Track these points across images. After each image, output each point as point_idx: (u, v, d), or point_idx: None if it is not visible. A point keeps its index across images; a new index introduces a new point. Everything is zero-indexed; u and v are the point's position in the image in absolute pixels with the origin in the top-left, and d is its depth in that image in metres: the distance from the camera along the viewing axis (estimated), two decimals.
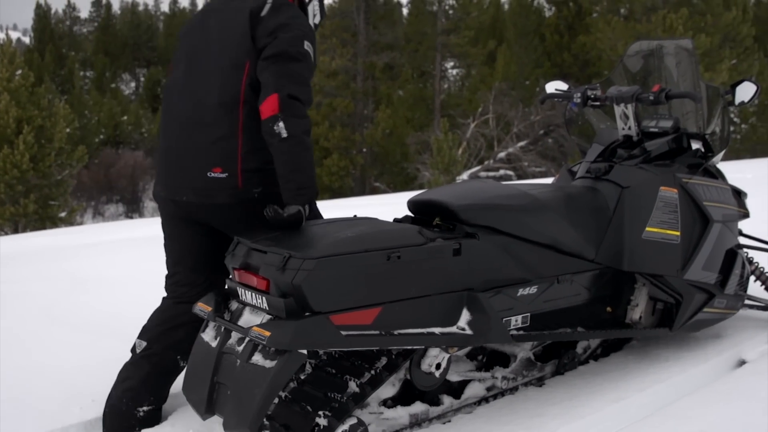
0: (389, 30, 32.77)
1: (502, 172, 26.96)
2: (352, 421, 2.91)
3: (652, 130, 4.12)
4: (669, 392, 3.60)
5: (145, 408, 3.30)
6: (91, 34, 72.89)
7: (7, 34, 28.18)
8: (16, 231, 21.43)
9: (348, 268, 2.72)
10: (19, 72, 23.13)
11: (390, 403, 3.22)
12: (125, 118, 47.07)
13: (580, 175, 3.98)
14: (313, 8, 3.40)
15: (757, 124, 31.01)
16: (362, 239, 2.83)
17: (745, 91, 4.09)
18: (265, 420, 2.78)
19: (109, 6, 71.34)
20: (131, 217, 34.03)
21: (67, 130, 24.46)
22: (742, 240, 4.45)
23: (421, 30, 34.53)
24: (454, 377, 3.39)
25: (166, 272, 3.49)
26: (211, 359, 2.91)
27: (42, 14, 58.18)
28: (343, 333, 2.69)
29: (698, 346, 4.14)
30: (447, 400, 3.36)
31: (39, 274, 6.22)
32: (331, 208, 11.32)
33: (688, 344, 4.16)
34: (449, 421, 3.33)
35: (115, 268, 6.43)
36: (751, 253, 4.52)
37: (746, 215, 4.30)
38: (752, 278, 4.42)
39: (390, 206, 5.98)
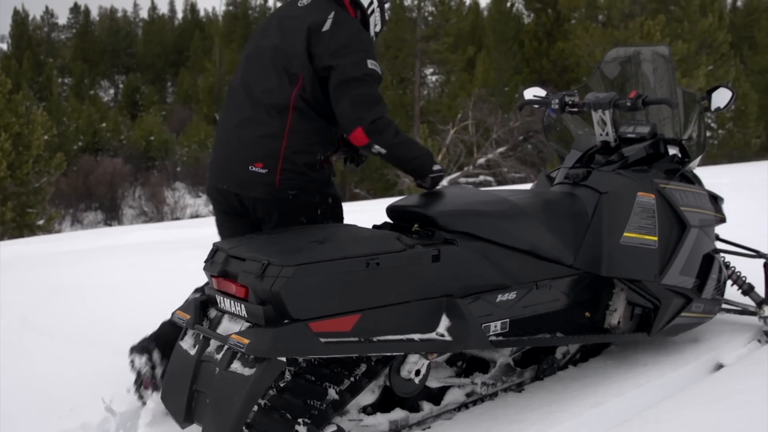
0: None
1: (481, 178, 27.02)
2: (332, 428, 2.91)
3: (629, 135, 4.15)
4: (647, 396, 3.62)
5: None
6: (70, 40, 72.62)
7: None
8: None
9: (327, 275, 2.71)
10: None
11: (370, 410, 3.21)
12: (104, 125, 46.89)
13: (559, 180, 4.00)
14: (374, 19, 3.59)
15: (733, 129, 31.29)
16: (341, 246, 2.83)
17: (721, 97, 4.13)
18: (244, 428, 2.77)
19: (87, 12, 71.08)
20: (110, 225, 33.79)
21: (45, 137, 24.31)
22: (719, 245, 4.48)
23: (400, 36, 34.57)
24: (433, 383, 3.39)
25: None
26: (190, 367, 2.90)
27: (20, 20, 57.87)
28: (322, 340, 2.68)
29: (676, 351, 4.16)
30: (427, 407, 3.36)
31: (16, 282, 6.17)
32: None
33: (666, 348, 4.18)
34: (429, 428, 3.33)
35: (93, 276, 6.38)
36: (728, 257, 4.55)
37: (723, 220, 4.33)
38: (729, 282, 4.45)
39: (370, 213, 5.97)
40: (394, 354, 3.02)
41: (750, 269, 4.63)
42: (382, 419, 3.20)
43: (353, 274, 2.77)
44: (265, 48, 3.42)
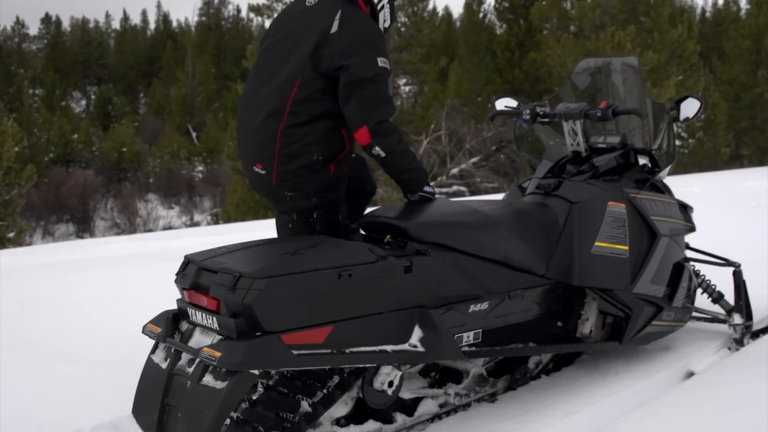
0: None
1: (455, 188, 27.06)
2: None
3: (600, 145, 4.18)
4: (620, 405, 3.64)
5: None
6: (41, 51, 72.15)
7: None
8: None
9: (299, 286, 2.71)
10: None
11: (343, 421, 3.21)
12: (75, 136, 46.53)
13: (530, 191, 4.02)
14: (384, 14, 3.64)
15: (704, 138, 31.60)
16: (313, 258, 2.83)
17: (690, 107, 4.17)
18: None
19: (58, 23, 70.66)
20: (82, 237, 33.52)
21: (16, 148, 24.00)
22: (689, 253, 4.51)
23: None
24: (406, 394, 3.39)
25: None
26: (161, 381, 2.87)
27: None
28: (295, 352, 2.68)
29: (648, 359, 4.19)
30: (400, 418, 3.36)
31: None
32: None
33: (637, 357, 4.21)
34: None
35: (64, 289, 6.32)
36: (698, 266, 4.59)
37: (693, 229, 4.37)
38: (699, 291, 4.49)
39: None
40: (367, 365, 3.02)
41: (720, 277, 4.66)
42: (355, 431, 3.19)
43: (325, 286, 2.77)
44: (271, 52, 3.54)
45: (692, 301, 4.30)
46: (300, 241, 3.12)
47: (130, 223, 34.78)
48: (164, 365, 2.91)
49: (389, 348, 2.94)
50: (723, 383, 3.74)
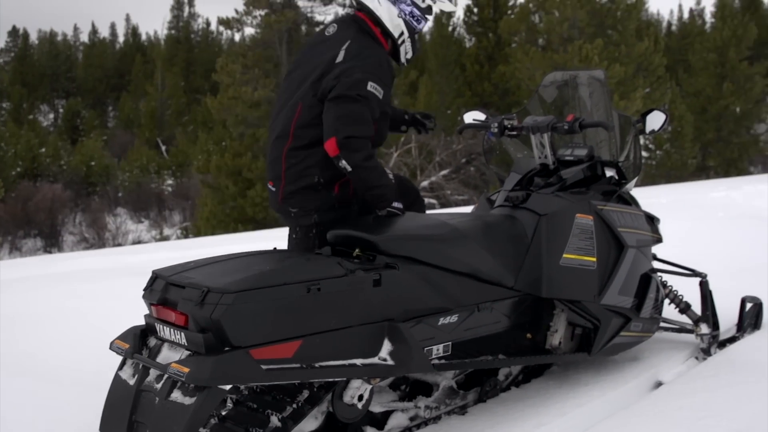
0: None
1: (425, 201, 27.06)
2: None
3: (567, 158, 4.22)
4: (589, 416, 3.66)
5: None
6: (8, 64, 71.39)
7: None
8: None
9: (267, 301, 2.70)
10: None
11: None
12: (43, 150, 46.03)
13: (499, 203, 4.03)
14: (405, 48, 3.80)
15: (671, 150, 31.90)
16: (281, 272, 2.82)
17: (655, 120, 4.22)
18: None
19: (26, 36, 70.06)
20: (50, 252, 33.12)
21: None
22: (656, 264, 4.55)
23: None
24: (377, 408, 3.39)
25: None
26: (129, 397, 2.84)
27: None
28: (264, 367, 2.67)
29: (616, 369, 4.22)
30: None
31: None
32: (254, 240, 11.23)
33: (606, 368, 4.24)
34: None
35: (32, 305, 6.24)
36: (665, 276, 4.63)
37: (659, 240, 4.41)
38: (666, 301, 4.53)
39: None
40: (337, 379, 3.01)
41: (687, 288, 4.71)
42: None
43: (294, 300, 2.77)
44: (288, 78, 3.77)
45: (660, 312, 4.34)
46: (269, 255, 3.11)
47: (98, 238, 34.44)
48: (132, 381, 2.88)
49: (359, 362, 2.94)
50: (691, 392, 3.78)
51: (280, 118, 3.64)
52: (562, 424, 3.55)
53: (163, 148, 52.15)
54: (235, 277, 2.76)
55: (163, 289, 2.86)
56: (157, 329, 2.89)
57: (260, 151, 28.28)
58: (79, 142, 50.81)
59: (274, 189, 3.66)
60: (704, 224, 8.86)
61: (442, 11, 3.96)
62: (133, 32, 76.44)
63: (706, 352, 4.48)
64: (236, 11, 29.00)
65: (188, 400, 2.64)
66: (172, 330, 2.79)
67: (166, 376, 2.72)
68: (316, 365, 2.82)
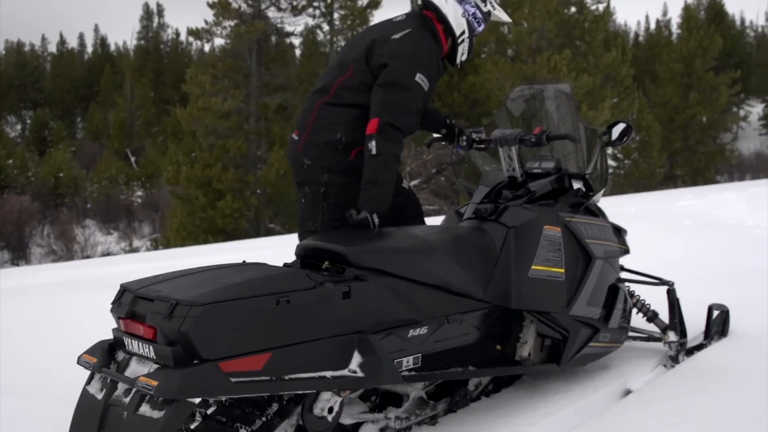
0: (282, 71, 32.66)
1: None
2: None
3: (535, 171, 4.25)
4: (559, 425, 3.68)
5: None
6: None
7: None
8: None
9: (236, 313, 2.69)
10: None
11: None
12: (10, 161, 45.58)
13: (468, 216, 4.05)
14: (462, 48, 3.95)
15: (639, 159, 32.25)
16: (250, 284, 2.82)
17: (621, 132, 4.26)
18: None
19: None
20: (17, 264, 32.76)
21: None
22: (624, 274, 4.59)
23: (314, 71, 34.58)
24: (347, 420, 3.38)
25: None
26: (97, 412, 2.81)
27: None
28: (233, 380, 2.66)
29: (586, 378, 4.24)
30: None
31: None
32: (225, 252, 11.19)
33: (576, 377, 4.26)
34: None
35: None
36: (633, 286, 4.67)
37: (627, 251, 4.46)
38: (634, 311, 4.57)
39: (284, 248, 5.94)
40: (307, 392, 3.01)
41: (654, 296, 4.75)
42: None
43: (263, 313, 2.76)
44: (348, 44, 3.99)
45: (628, 322, 4.37)
46: (238, 268, 3.11)
47: (67, 250, 34.09)
48: (100, 396, 2.85)
49: (329, 374, 2.94)
50: (659, 400, 3.82)
51: (327, 75, 3.80)
52: None
53: (133, 159, 51.84)
54: (204, 289, 2.75)
55: (131, 302, 2.85)
56: (126, 343, 2.87)
57: (230, 161, 28.23)
58: (47, 154, 50.35)
59: (296, 138, 3.78)
60: (671, 233, 8.96)
61: (497, 22, 4.10)
62: (102, 42, 75.99)
63: (674, 360, 4.53)
64: (206, 22, 28.95)
65: (157, 414, 2.62)
66: (140, 343, 2.77)
67: (134, 389, 2.70)
68: (286, 378, 2.81)
